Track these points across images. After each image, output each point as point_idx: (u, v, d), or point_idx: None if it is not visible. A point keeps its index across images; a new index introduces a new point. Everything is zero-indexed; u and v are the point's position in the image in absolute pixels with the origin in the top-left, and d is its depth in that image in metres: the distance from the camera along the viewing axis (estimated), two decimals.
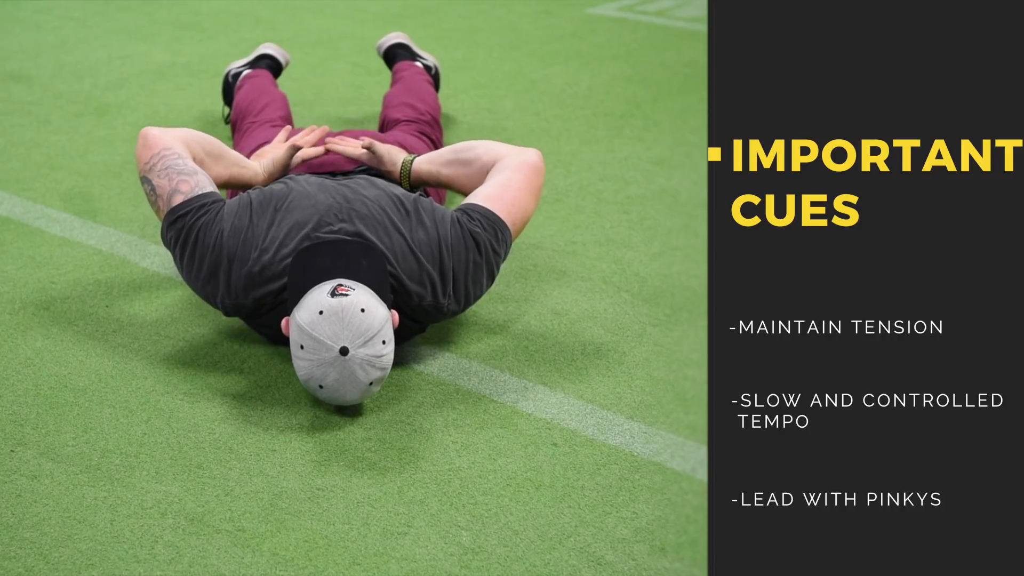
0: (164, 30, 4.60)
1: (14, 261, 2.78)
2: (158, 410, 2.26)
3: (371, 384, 2.15)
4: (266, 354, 2.43)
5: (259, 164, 2.60)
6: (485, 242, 2.35)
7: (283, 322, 2.22)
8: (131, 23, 4.67)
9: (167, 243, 2.36)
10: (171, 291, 2.66)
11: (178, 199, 2.34)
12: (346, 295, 2.13)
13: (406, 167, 2.57)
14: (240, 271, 2.28)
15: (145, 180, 2.39)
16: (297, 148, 2.63)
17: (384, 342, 2.14)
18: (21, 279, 2.70)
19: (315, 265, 2.21)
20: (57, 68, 4.12)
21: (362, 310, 2.12)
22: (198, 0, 4.98)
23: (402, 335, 2.34)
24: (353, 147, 2.63)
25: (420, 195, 2.41)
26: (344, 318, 2.11)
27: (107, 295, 2.64)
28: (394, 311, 2.23)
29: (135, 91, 3.91)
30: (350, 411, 2.25)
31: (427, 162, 2.58)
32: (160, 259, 2.79)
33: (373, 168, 2.62)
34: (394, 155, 2.60)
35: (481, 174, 2.51)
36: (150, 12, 4.82)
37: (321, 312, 2.12)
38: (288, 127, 2.83)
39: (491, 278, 2.39)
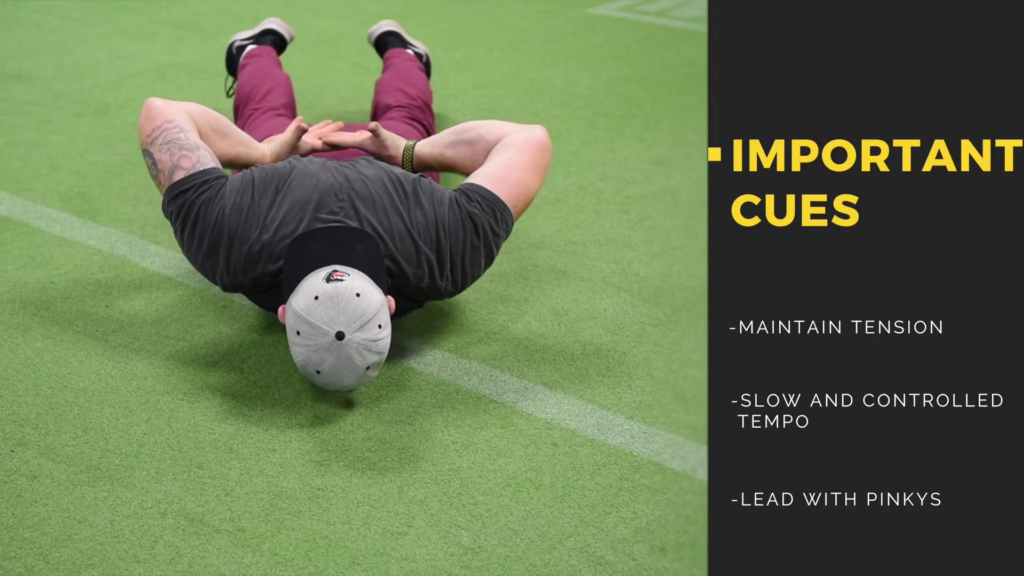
0: (164, 30, 4.60)
1: (14, 261, 2.77)
2: (158, 410, 2.26)
3: (368, 368, 2.15)
4: (266, 354, 2.43)
5: (267, 146, 2.62)
6: (483, 223, 2.34)
7: (279, 310, 2.22)
8: (131, 23, 4.67)
9: (168, 216, 2.36)
10: (171, 291, 2.66)
11: (179, 175, 2.33)
12: (341, 280, 2.14)
13: (408, 152, 2.58)
14: (240, 250, 2.28)
15: (147, 153, 2.39)
16: (304, 129, 2.64)
17: (380, 326, 2.14)
18: (21, 279, 2.70)
19: (310, 252, 2.22)
20: (57, 68, 4.12)
21: (357, 294, 2.12)
22: (198, 0, 4.98)
23: (398, 311, 2.34)
24: (353, 136, 2.63)
25: (419, 176, 2.40)
26: (340, 303, 2.11)
27: (107, 295, 2.64)
28: (390, 297, 2.23)
29: (135, 91, 3.91)
30: (350, 410, 2.25)
31: (429, 145, 2.58)
32: (160, 259, 2.79)
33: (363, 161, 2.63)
34: (396, 140, 2.60)
35: (485, 154, 2.50)
36: (150, 12, 4.82)
37: (316, 297, 2.12)
38: (299, 118, 2.84)
39: (490, 259, 2.38)
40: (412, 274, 2.29)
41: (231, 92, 3.38)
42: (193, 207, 2.31)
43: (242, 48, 3.44)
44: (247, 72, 3.28)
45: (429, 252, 2.30)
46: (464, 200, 2.35)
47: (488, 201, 2.36)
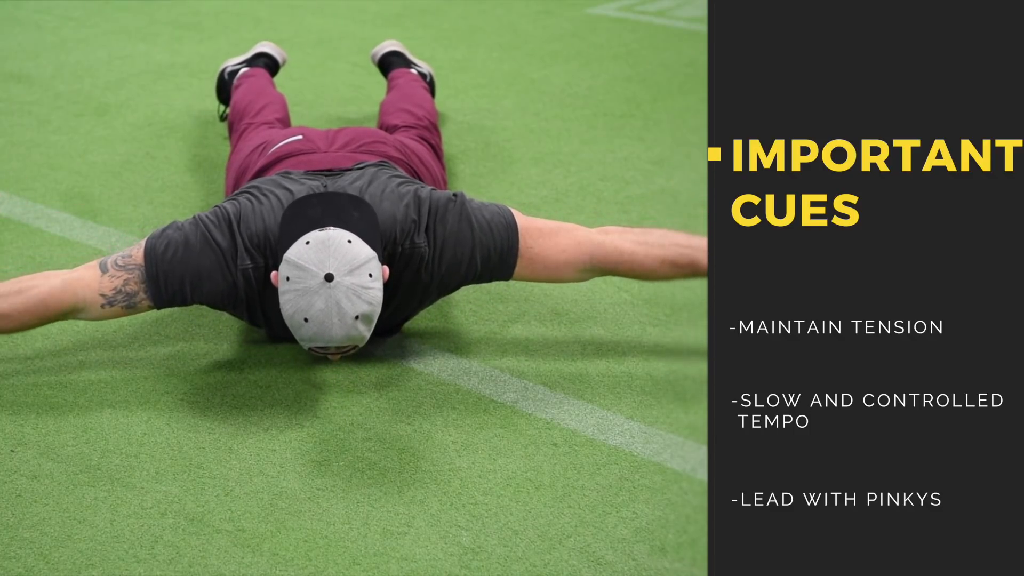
0: (164, 30, 4.60)
1: (14, 261, 2.77)
2: (158, 410, 2.26)
3: (357, 319, 2.11)
4: (266, 354, 2.43)
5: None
6: (469, 200, 2.35)
7: (272, 275, 2.21)
8: (131, 23, 4.67)
9: (170, 295, 2.28)
10: None
11: (145, 267, 2.28)
12: (334, 229, 2.15)
13: None
14: (251, 227, 2.27)
15: (117, 300, 2.30)
16: None
17: (371, 275, 2.12)
18: None
19: (307, 215, 2.22)
20: (57, 68, 4.12)
21: (349, 241, 2.13)
22: (198, 0, 4.98)
23: (387, 327, 2.39)
24: None
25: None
26: (330, 246, 2.11)
27: None
28: (385, 267, 2.21)
29: (135, 91, 3.91)
30: (350, 409, 2.25)
31: None
32: None
33: (370, 166, 2.63)
34: None
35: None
36: (150, 12, 4.82)
37: (308, 243, 2.13)
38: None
39: (469, 229, 2.32)
40: (398, 230, 2.28)
41: (224, 116, 3.36)
42: (179, 244, 2.28)
43: (234, 73, 3.41)
44: (241, 91, 3.25)
45: (411, 206, 2.30)
46: (462, 195, 2.38)
47: (494, 203, 2.37)
